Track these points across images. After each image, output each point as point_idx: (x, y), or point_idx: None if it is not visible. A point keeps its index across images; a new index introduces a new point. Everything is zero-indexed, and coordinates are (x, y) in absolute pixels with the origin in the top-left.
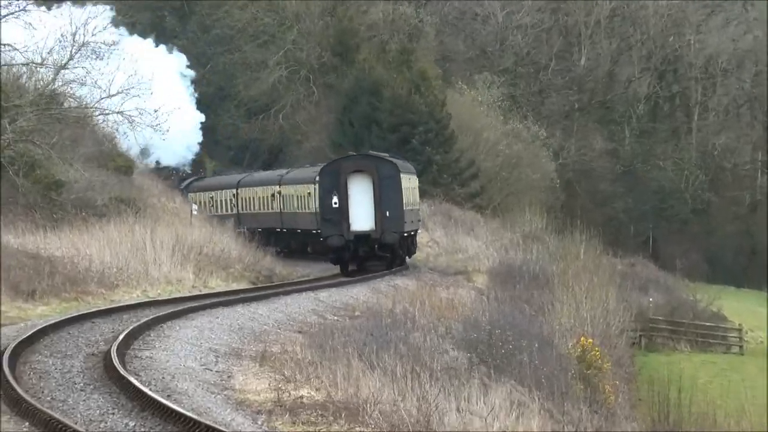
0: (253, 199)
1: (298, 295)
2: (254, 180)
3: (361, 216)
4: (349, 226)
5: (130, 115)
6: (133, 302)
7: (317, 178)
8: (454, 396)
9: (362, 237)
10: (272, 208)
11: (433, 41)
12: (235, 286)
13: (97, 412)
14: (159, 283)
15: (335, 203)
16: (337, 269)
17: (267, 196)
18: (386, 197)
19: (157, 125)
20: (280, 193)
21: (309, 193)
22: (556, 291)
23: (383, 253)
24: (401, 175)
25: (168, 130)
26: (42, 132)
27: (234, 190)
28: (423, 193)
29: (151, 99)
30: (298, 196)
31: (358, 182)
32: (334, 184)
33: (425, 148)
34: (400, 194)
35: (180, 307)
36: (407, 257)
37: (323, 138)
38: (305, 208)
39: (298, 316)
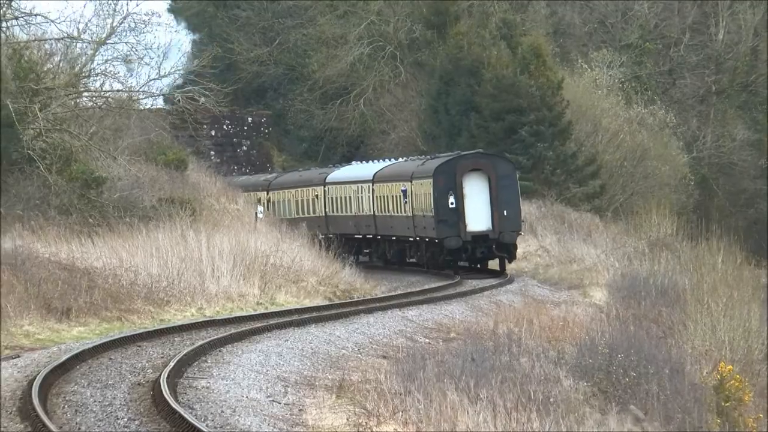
0: (387, 198)
1: (383, 314)
2: (389, 174)
3: (478, 216)
4: (465, 226)
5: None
6: (186, 322)
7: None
8: None
9: (479, 237)
10: (404, 212)
11: (545, 11)
12: (307, 303)
13: None
14: (217, 299)
15: (452, 203)
16: (427, 284)
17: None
18: (503, 196)
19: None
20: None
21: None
22: (689, 308)
23: (501, 253)
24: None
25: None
26: (79, 120)
27: (370, 185)
28: (532, 193)
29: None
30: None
31: (474, 181)
32: (450, 183)
33: (537, 141)
34: (517, 193)
35: (242, 328)
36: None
37: (413, 127)
38: (426, 211)
39: (383, 339)
